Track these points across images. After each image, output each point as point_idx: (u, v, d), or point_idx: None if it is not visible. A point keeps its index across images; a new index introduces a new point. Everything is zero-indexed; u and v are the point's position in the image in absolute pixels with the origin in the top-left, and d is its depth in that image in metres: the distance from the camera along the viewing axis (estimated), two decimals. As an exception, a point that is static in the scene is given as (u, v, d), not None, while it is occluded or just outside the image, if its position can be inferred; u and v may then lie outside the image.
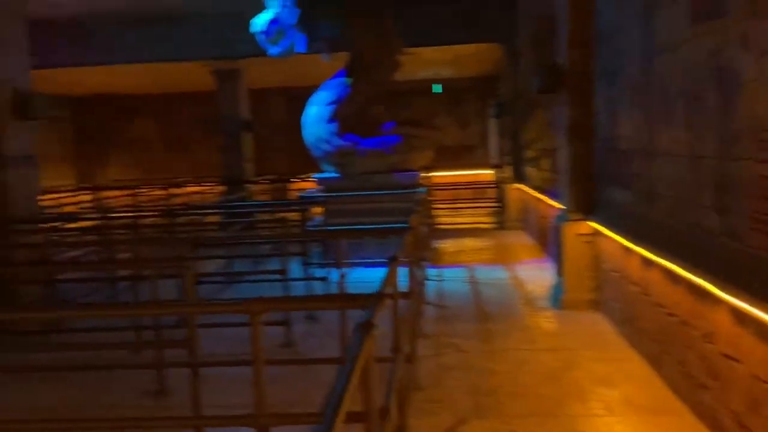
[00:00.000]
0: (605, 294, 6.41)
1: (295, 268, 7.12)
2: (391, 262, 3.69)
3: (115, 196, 15.67)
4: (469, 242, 11.72)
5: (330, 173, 10.00)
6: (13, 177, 7.32)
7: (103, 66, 13.76)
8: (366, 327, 2.23)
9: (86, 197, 15.68)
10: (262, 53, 12.76)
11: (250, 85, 16.14)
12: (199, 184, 16.83)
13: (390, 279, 3.43)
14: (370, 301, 2.67)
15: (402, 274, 3.94)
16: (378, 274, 3.51)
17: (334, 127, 9.58)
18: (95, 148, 20.86)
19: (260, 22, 10.06)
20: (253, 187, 15.76)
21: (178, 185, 16.28)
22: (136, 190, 15.58)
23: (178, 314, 4.90)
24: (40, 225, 7.71)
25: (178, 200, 15.26)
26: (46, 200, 13.70)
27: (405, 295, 4.35)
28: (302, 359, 5.46)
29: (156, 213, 9.37)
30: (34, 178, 7.71)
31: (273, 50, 10.22)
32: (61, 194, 14.39)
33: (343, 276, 5.67)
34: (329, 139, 9.57)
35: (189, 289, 4.43)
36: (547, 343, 5.82)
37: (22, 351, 5.97)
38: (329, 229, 9.46)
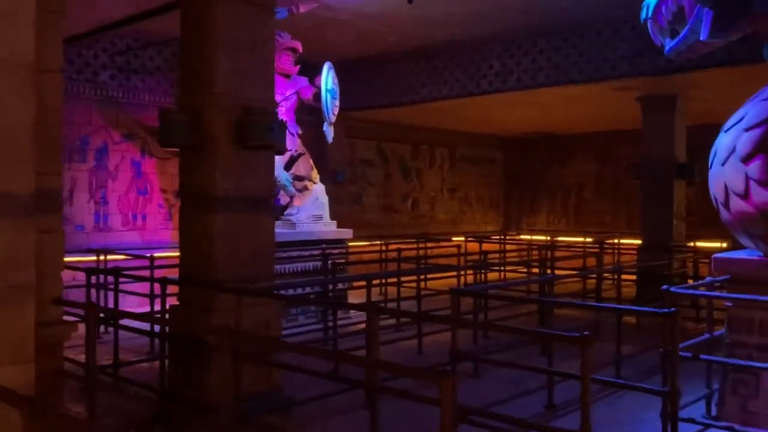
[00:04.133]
0: None
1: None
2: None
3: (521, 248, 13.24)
4: None
5: (747, 251, 5.59)
6: (226, 226, 5.39)
7: (498, 94, 11.46)
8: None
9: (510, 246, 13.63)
10: (704, 64, 8.97)
11: (694, 118, 11.93)
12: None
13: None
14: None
15: None
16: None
17: (757, 168, 5.19)
18: (525, 192, 18.90)
19: (650, 2, 6.33)
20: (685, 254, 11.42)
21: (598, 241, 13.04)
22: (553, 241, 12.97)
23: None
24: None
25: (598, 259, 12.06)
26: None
27: None
28: None
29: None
30: (264, 226, 5.68)
31: (668, 45, 6.32)
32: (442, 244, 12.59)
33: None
34: (747, 188, 5.23)
35: None
36: None
37: None
38: (719, 361, 5.16)
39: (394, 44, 11.57)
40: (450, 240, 12.16)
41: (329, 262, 8.68)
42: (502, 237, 15.08)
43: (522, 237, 17.37)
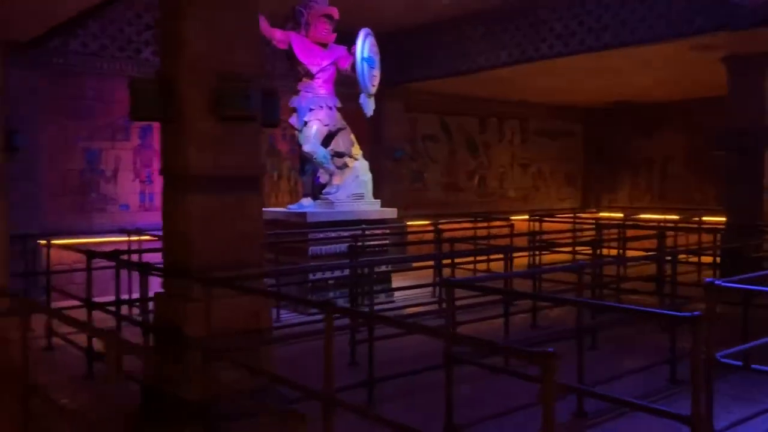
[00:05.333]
0: None
1: None
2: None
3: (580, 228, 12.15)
4: None
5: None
6: (203, 207, 4.86)
7: (559, 58, 10.39)
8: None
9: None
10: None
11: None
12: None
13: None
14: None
15: None
16: None
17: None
18: (605, 167, 17.53)
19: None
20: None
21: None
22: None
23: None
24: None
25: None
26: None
27: None
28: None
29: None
30: (250, 209, 5.10)
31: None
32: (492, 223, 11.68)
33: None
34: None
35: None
36: None
37: None
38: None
39: (448, 8, 10.74)
40: (508, 220, 11.17)
41: (351, 244, 8.06)
42: (573, 216, 13.93)
43: (601, 215, 16.13)
